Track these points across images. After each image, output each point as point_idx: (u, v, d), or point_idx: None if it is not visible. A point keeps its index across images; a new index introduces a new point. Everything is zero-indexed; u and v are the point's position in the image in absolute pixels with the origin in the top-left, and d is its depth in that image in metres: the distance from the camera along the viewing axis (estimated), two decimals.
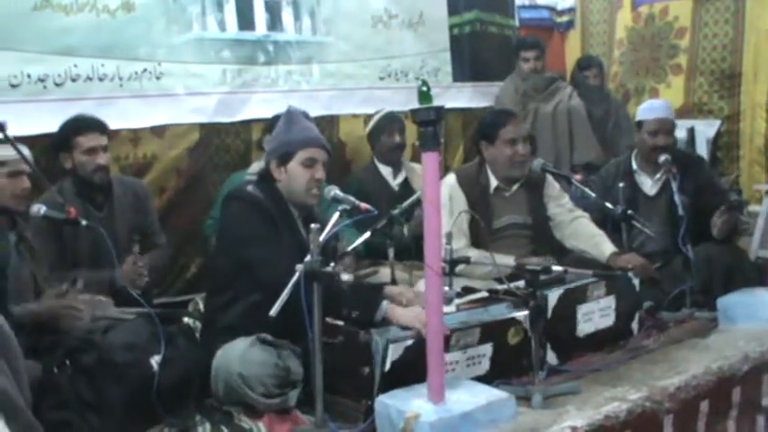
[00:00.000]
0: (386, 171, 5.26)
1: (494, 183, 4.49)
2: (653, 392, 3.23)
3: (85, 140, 4.03)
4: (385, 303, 3.23)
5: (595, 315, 3.75)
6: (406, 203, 3.80)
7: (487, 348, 3.28)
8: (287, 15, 5.42)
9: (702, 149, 6.52)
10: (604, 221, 4.53)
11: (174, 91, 4.88)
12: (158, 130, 4.91)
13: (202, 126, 5.09)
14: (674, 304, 4.28)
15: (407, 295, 3.46)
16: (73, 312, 3.33)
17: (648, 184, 4.86)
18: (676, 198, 4.34)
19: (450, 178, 4.53)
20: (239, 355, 3.17)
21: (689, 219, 4.29)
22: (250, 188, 3.54)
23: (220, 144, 5.24)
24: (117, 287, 3.80)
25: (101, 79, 4.60)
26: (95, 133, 4.06)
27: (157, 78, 4.82)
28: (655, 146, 4.75)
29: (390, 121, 5.29)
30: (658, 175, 4.75)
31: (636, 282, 3.96)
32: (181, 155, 5.03)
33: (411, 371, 2.96)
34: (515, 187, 4.51)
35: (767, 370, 3.77)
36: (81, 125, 4.06)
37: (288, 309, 2.87)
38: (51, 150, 4.17)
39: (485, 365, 3.28)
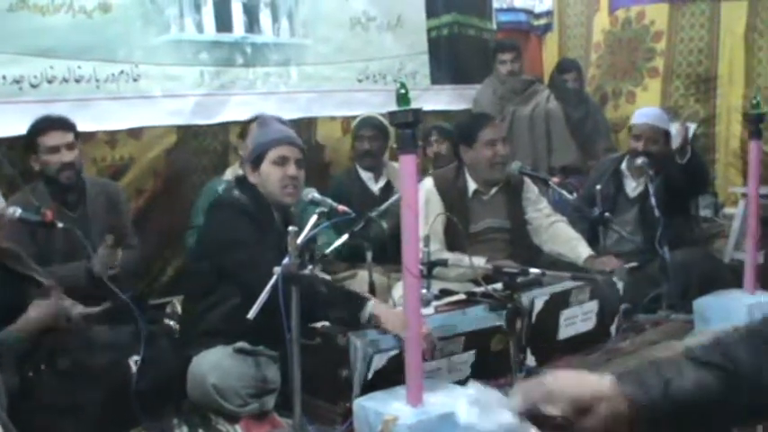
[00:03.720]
0: (366, 176, 5.24)
1: (472, 186, 4.49)
2: None
3: (47, 140, 4.00)
4: (371, 304, 3.23)
5: (578, 319, 3.76)
6: (383, 205, 3.79)
7: (470, 356, 3.29)
8: (265, 17, 5.40)
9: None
10: (581, 222, 4.55)
11: (151, 93, 4.84)
12: (135, 133, 4.87)
13: (180, 128, 5.06)
14: (651, 306, 4.31)
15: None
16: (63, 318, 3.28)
17: (632, 186, 4.90)
18: (652, 200, 4.38)
19: (428, 182, 4.52)
20: (215, 366, 3.16)
21: (665, 222, 4.33)
22: (235, 193, 3.56)
23: (198, 146, 5.21)
24: (93, 275, 3.75)
25: (77, 81, 4.56)
26: (57, 132, 4.02)
27: (134, 80, 4.78)
28: (634, 150, 4.82)
29: (361, 127, 5.29)
30: (641, 179, 4.78)
31: (620, 285, 3.97)
32: (158, 157, 5.00)
33: (393, 378, 2.96)
34: (494, 191, 4.52)
35: None
36: (42, 126, 4.03)
37: (267, 311, 2.87)
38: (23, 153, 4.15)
39: (466, 372, 3.30)
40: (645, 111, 5.14)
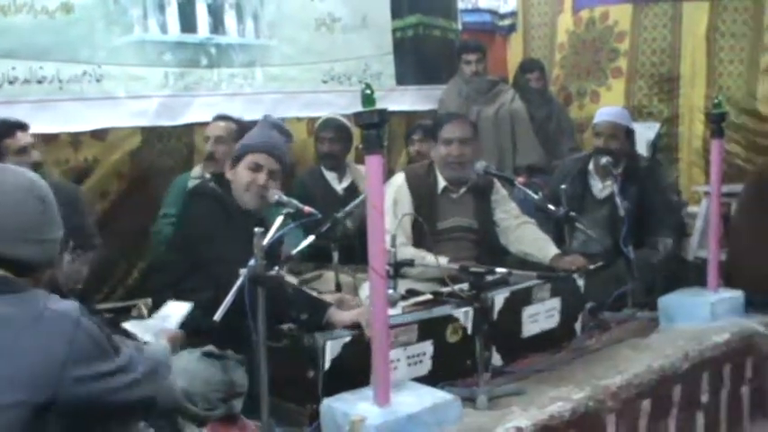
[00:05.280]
0: (330, 176, 5.25)
1: (441, 183, 4.50)
2: (596, 392, 3.27)
3: (15, 141, 3.95)
4: (332, 308, 3.25)
5: (540, 316, 3.78)
6: (349, 206, 3.79)
7: (427, 346, 3.29)
8: (230, 18, 5.38)
9: (642, 152, 6.61)
10: (547, 223, 4.58)
11: (114, 94, 4.81)
12: (99, 134, 4.84)
13: (144, 129, 5.03)
14: (616, 305, 4.34)
15: (350, 302, 3.50)
16: None
17: (599, 187, 4.94)
18: (617, 200, 4.41)
19: (399, 177, 4.54)
20: (183, 371, 3.12)
21: (630, 221, 4.36)
22: (211, 184, 3.63)
23: (163, 148, 5.19)
24: (56, 285, 3.70)
25: (39, 82, 4.52)
26: (22, 133, 3.98)
27: (98, 81, 4.74)
28: (596, 148, 4.88)
29: (322, 129, 5.31)
30: (609, 182, 4.80)
31: (581, 283, 4.00)
32: (122, 159, 4.97)
33: (352, 369, 2.98)
34: (463, 190, 4.53)
35: (706, 368, 3.84)
36: (5, 128, 3.98)
37: (233, 313, 2.86)
38: None
39: (426, 365, 3.29)
40: (606, 109, 5.20)
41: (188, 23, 5.17)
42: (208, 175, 4.43)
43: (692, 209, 6.28)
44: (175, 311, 3.21)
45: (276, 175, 3.60)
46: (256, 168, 3.56)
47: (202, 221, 3.46)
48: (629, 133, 4.97)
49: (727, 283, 4.48)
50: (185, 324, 3.24)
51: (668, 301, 4.30)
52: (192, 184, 4.68)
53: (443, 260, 4.11)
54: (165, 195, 4.90)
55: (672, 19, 6.86)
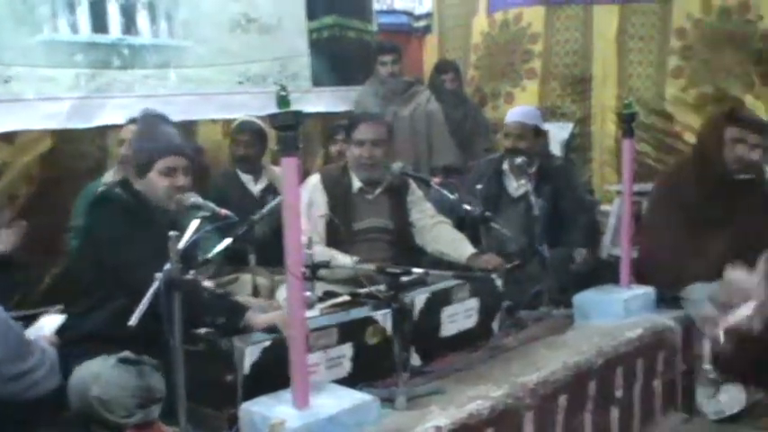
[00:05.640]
0: (246, 178, 5.21)
1: (357, 184, 4.50)
2: (514, 389, 3.31)
3: None
4: (249, 311, 3.22)
5: (459, 316, 3.79)
6: (265, 209, 3.76)
7: (347, 349, 3.29)
8: (142, 18, 5.30)
9: (556, 152, 6.71)
10: (462, 223, 4.61)
11: (23, 96, 4.71)
12: (8, 137, 4.73)
13: (55, 132, 4.92)
14: (532, 303, 4.39)
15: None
16: None
17: (514, 186, 4.99)
18: (532, 199, 4.47)
19: (314, 178, 4.53)
20: (97, 377, 3.07)
21: (545, 220, 4.43)
22: (117, 190, 3.47)
23: (75, 151, 5.08)
24: None
25: None
26: None
27: (6, 82, 4.64)
28: (505, 148, 4.93)
29: (237, 132, 5.26)
30: (523, 181, 4.86)
31: (499, 282, 4.04)
32: (33, 162, 4.86)
33: (272, 373, 2.96)
34: (378, 191, 4.53)
35: (620, 363, 3.92)
36: None
37: (149, 318, 2.82)
38: None
39: (346, 367, 3.28)
40: (515, 109, 5.24)
41: (99, 23, 5.08)
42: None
43: (604, 207, 6.40)
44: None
45: (189, 171, 3.50)
46: (170, 172, 3.42)
47: (108, 229, 3.33)
48: (539, 133, 5.02)
49: (639, 280, 4.57)
50: (99, 332, 3.19)
51: (583, 299, 4.38)
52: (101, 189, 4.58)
53: (348, 260, 4.10)
54: (74, 203, 4.77)
55: (583, 22, 6.99)
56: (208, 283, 4.03)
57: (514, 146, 4.89)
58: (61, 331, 3.53)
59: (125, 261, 3.23)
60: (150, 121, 3.54)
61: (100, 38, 5.08)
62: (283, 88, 2.77)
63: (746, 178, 4.48)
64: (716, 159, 4.48)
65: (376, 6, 7.26)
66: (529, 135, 4.93)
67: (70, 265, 4.28)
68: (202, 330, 3.18)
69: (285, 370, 2.87)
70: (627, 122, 4.39)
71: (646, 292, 4.44)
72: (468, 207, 4.33)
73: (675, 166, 5.14)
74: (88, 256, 3.43)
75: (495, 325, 4.03)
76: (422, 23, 7.85)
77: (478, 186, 4.51)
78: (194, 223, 3.14)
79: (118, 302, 3.21)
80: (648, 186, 5.19)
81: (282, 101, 2.76)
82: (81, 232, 3.73)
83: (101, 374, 3.07)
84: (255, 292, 4.04)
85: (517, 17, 7.30)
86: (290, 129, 2.77)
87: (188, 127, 5.53)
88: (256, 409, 2.85)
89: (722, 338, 3.93)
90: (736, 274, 4.01)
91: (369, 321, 3.38)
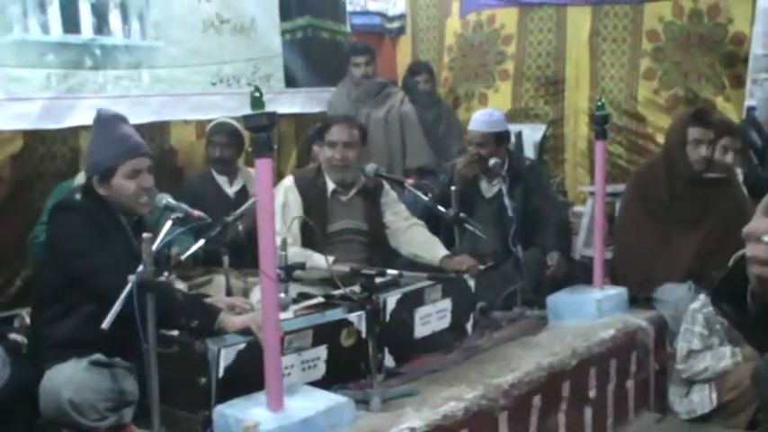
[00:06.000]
0: (221, 179, 5.18)
1: (331, 186, 4.50)
2: (488, 390, 3.32)
3: None
4: (223, 313, 3.20)
5: (433, 317, 3.81)
6: (240, 210, 3.75)
7: (322, 351, 3.28)
8: (114, 19, 5.26)
9: (530, 153, 6.75)
10: (437, 224, 4.61)
11: None
12: None
13: (26, 133, 4.87)
14: (506, 304, 4.41)
15: (242, 305, 3.46)
16: None
17: (486, 187, 5.00)
18: (505, 201, 4.48)
19: (288, 180, 4.52)
20: (69, 381, 3.05)
21: (518, 221, 4.44)
22: (77, 197, 3.39)
23: (46, 152, 5.02)
24: None
25: None
26: None
27: None
28: (471, 154, 4.93)
29: (213, 134, 5.23)
30: (495, 181, 4.87)
31: (472, 283, 4.05)
32: (3, 163, 4.81)
33: (246, 376, 2.95)
34: (352, 193, 4.53)
35: (594, 363, 3.94)
36: None
37: (122, 320, 2.80)
38: None
39: (321, 369, 3.28)
40: (477, 117, 5.11)
41: (71, 24, 5.02)
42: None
43: (577, 208, 6.43)
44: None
45: (152, 170, 3.45)
46: (135, 174, 3.35)
47: (70, 237, 3.27)
48: (501, 137, 4.97)
49: (612, 281, 4.61)
50: (71, 337, 3.17)
51: (556, 300, 4.40)
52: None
53: (322, 261, 4.09)
54: (44, 206, 4.72)
55: (556, 23, 7.02)
56: (181, 285, 4.02)
57: (477, 152, 4.90)
58: (32, 338, 3.50)
59: (87, 269, 3.19)
60: (108, 124, 3.45)
61: (71, 38, 5.03)
62: (257, 89, 2.77)
63: (716, 179, 4.52)
64: (680, 159, 4.52)
65: (349, 7, 7.25)
66: (490, 142, 4.90)
67: (35, 274, 4.24)
68: (176, 333, 3.16)
69: (259, 372, 2.86)
70: (599, 124, 4.42)
71: (618, 292, 4.47)
72: (442, 209, 4.34)
73: (646, 167, 5.17)
74: (52, 265, 3.38)
75: (468, 326, 4.05)
76: (395, 25, 7.85)
77: (453, 188, 4.50)
78: (167, 224, 3.13)
79: (88, 307, 3.19)
80: (621, 187, 5.23)
81: (256, 102, 2.75)
82: (45, 242, 3.66)
83: (72, 378, 3.05)
84: (229, 293, 4.01)
85: (490, 19, 7.33)
86: (264, 130, 2.76)
87: (161, 128, 5.52)
88: (230, 411, 2.84)
89: None
90: None
91: (343, 323, 3.38)
